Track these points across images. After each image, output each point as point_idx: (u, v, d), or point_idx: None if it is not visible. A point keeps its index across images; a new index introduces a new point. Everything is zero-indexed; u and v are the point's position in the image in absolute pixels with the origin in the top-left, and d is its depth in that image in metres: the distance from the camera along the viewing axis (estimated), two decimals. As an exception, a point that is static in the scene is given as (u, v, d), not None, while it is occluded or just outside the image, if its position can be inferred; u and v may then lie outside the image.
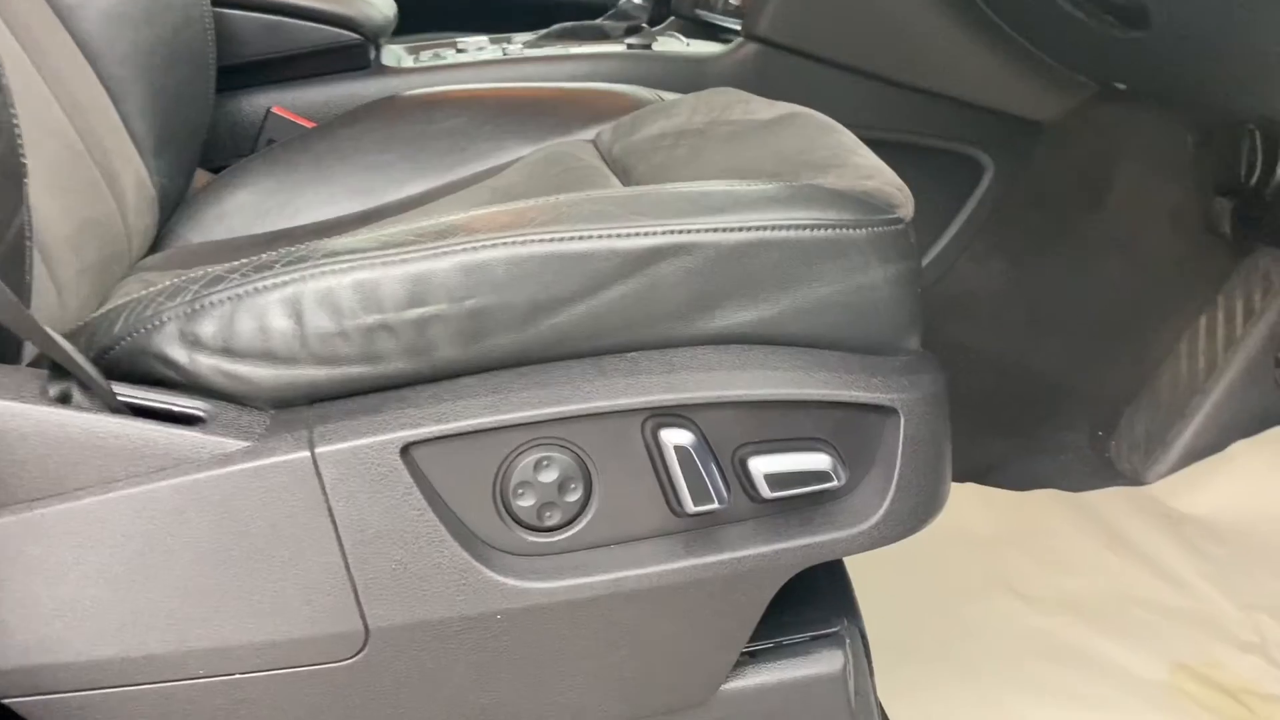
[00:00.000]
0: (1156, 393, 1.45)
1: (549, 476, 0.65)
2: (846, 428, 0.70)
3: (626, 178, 0.98)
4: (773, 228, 0.68)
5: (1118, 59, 1.14)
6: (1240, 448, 1.36)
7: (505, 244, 0.65)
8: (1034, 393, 1.47)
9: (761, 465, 0.67)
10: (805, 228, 0.69)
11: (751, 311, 0.69)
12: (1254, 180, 1.40)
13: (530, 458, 0.65)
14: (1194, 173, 1.42)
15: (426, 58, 1.35)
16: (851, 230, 0.70)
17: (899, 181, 0.79)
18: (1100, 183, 1.44)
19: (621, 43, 1.39)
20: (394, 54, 1.36)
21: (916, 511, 0.70)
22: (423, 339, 0.65)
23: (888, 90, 1.35)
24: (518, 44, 1.41)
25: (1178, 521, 1.29)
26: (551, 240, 0.65)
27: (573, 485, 0.66)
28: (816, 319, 0.70)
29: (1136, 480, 1.40)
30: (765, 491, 0.68)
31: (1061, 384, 1.47)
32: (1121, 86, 1.26)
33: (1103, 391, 1.47)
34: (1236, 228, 1.41)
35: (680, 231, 0.67)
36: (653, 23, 1.57)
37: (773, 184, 0.73)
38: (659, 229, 0.67)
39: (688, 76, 1.32)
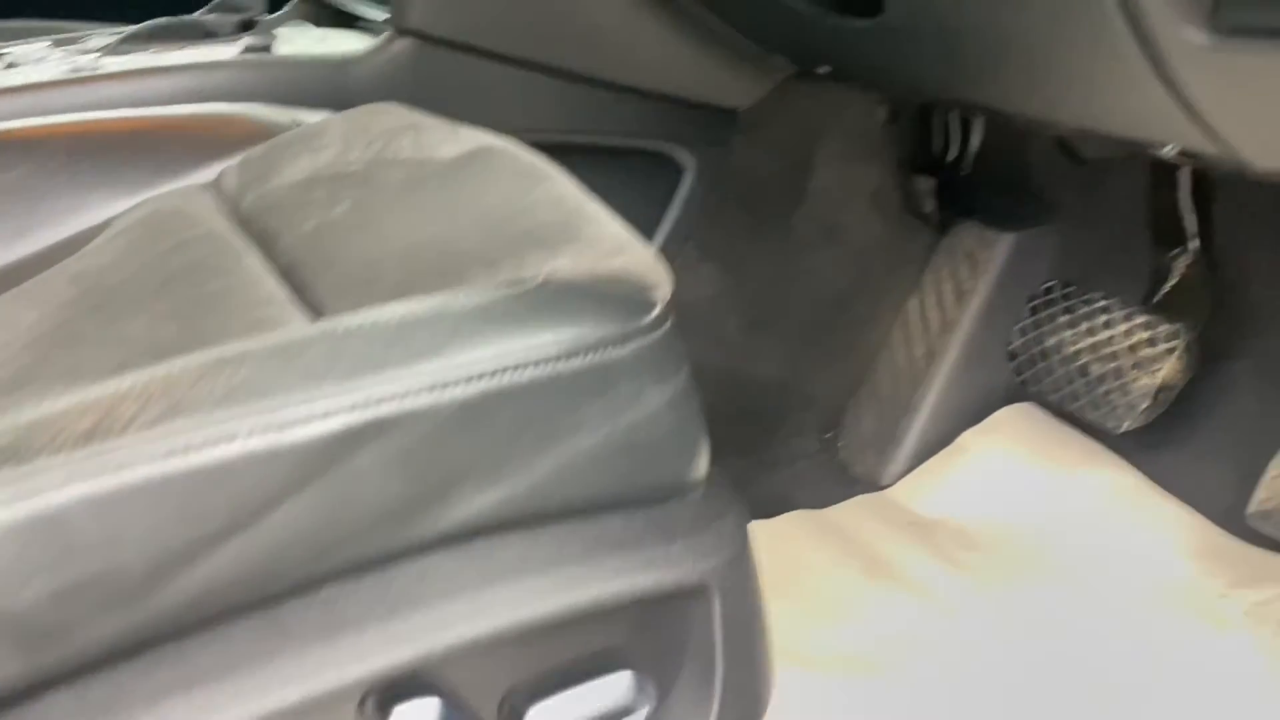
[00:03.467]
0: (878, 386, 1.38)
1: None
2: (647, 625, 0.50)
3: (270, 247, 0.72)
4: (513, 368, 0.47)
5: (829, 45, 1.01)
6: (970, 437, 1.32)
7: (89, 475, 0.39)
8: (761, 402, 1.35)
9: (541, 715, 0.47)
10: (556, 359, 0.48)
11: (495, 491, 0.47)
12: (949, 158, 1.35)
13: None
14: (891, 152, 1.35)
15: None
16: (616, 349, 0.50)
17: (645, 247, 0.60)
18: (801, 170, 1.33)
19: (235, 43, 1.09)
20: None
21: (748, 716, 0.52)
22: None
23: (570, 87, 1.16)
24: (93, 51, 1.08)
25: (927, 530, 1.23)
26: (168, 455, 0.40)
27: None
28: (585, 480, 0.50)
29: (873, 482, 1.32)
30: (552, 753, 0.47)
31: (786, 388, 1.37)
32: (824, 70, 1.15)
33: (826, 391, 1.38)
34: (938, 207, 1.36)
35: (379, 402, 0.44)
36: (271, 9, 1.27)
37: (499, 293, 0.51)
38: (345, 402, 0.43)
39: (328, 85, 1.05)
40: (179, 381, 0.43)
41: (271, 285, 0.66)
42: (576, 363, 0.48)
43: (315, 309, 0.62)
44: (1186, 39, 0.62)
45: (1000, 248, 1.35)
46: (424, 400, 0.44)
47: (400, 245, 0.65)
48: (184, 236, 0.75)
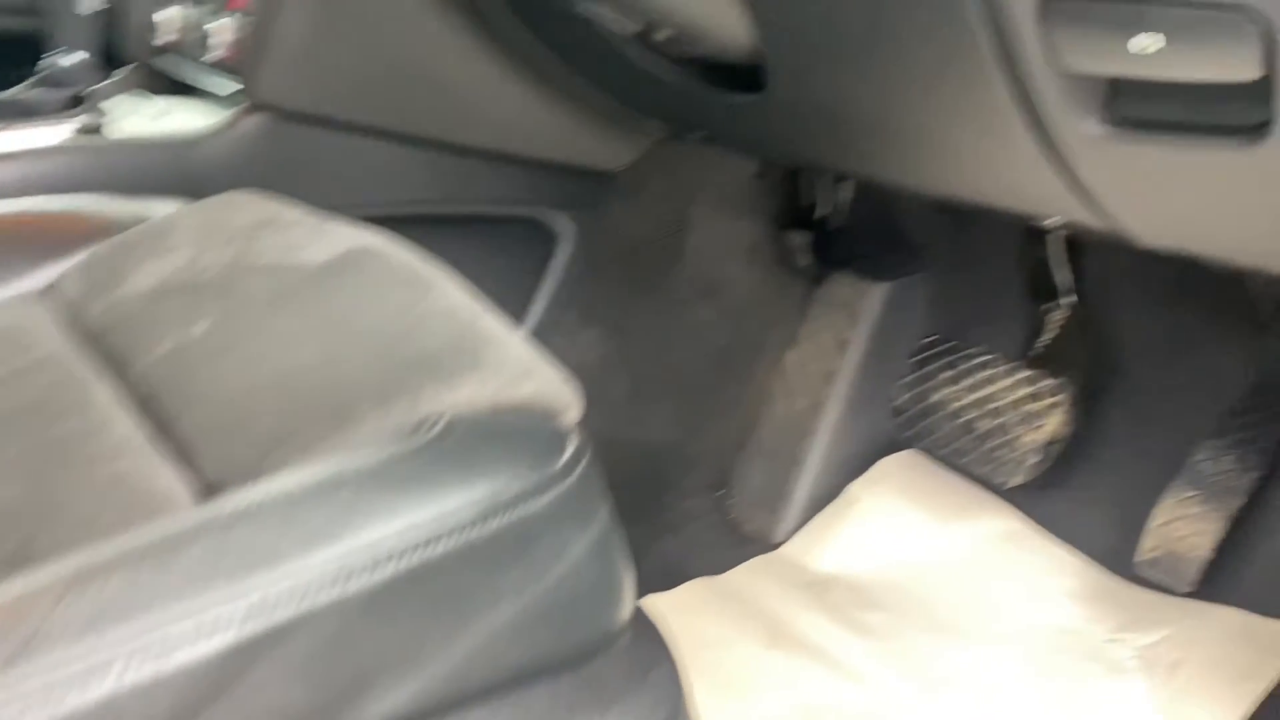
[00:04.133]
0: (763, 441, 1.37)
1: None
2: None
3: (123, 372, 0.65)
4: (424, 544, 0.42)
5: (707, 116, 0.99)
6: (858, 488, 1.31)
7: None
8: (650, 466, 1.32)
9: None
10: (470, 525, 0.44)
11: (411, 683, 0.42)
12: (821, 212, 1.35)
13: None
14: (765, 207, 1.35)
15: None
16: (534, 501, 0.46)
17: (553, 368, 0.56)
18: (678, 229, 1.31)
19: (63, 124, 1.00)
20: None
21: None
22: None
23: (439, 157, 1.11)
24: (-107, 136, 0.97)
25: (823, 589, 1.21)
26: (26, 708, 0.34)
27: None
28: (507, 654, 0.45)
29: (766, 540, 1.31)
30: None
31: (674, 450, 1.34)
32: (700, 135, 1.13)
33: (713, 449, 1.36)
34: (813, 259, 1.36)
35: (275, 606, 0.38)
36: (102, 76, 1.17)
37: (399, 448, 0.46)
38: (236, 610, 0.38)
39: (174, 170, 0.97)
40: (36, 604, 0.36)
41: (128, 425, 0.59)
42: (492, 525, 0.44)
43: (183, 455, 0.56)
44: (1083, 130, 0.62)
45: (875, 297, 1.35)
46: (326, 596, 0.39)
47: (273, 373, 0.59)
48: (18, 364, 0.66)
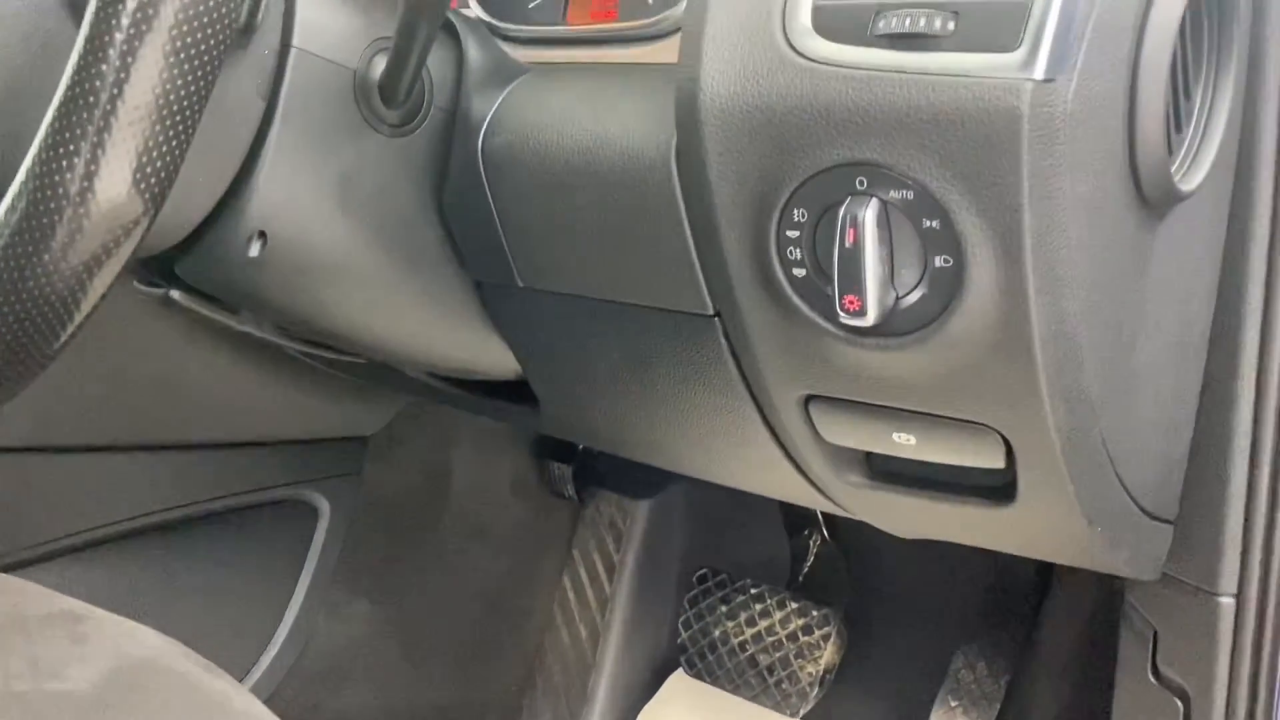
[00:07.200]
0: (550, 676, 1.35)
1: None
2: None
3: None
4: None
5: (474, 408, 0.99)
6: (650, 712, 1.32)
7: None
8: (433, 731, 1.27)
9: None
10: None
11: None
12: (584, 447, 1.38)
13: None
14: (524, 440, 1.35)
15: None
16: None
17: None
18: (440, 478, 1.29)
19: None
20: None
21: None
22: None
23: (180, 456, 1.03)
24: None
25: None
26: None
27: None
28: None
29: (562, 781, 1.29)
30: None
31: (459, 704, 1.30)
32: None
33: (499, 694, 1.33)
34: (575, 486, 1.37)
35: None
36: None
37: None
38: None
39: None
40: None
41: None
42: None
43: None
44: (845, 481, 0.67)
45: (640, 513, 1.38)
46: None
47: None
48: None
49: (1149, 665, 0.79)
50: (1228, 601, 0.70)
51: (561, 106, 0.65)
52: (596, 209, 0.63)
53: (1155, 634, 0.77)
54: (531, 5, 0.76)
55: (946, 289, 0.51)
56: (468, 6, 0.75)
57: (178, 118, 0.44)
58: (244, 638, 1.09)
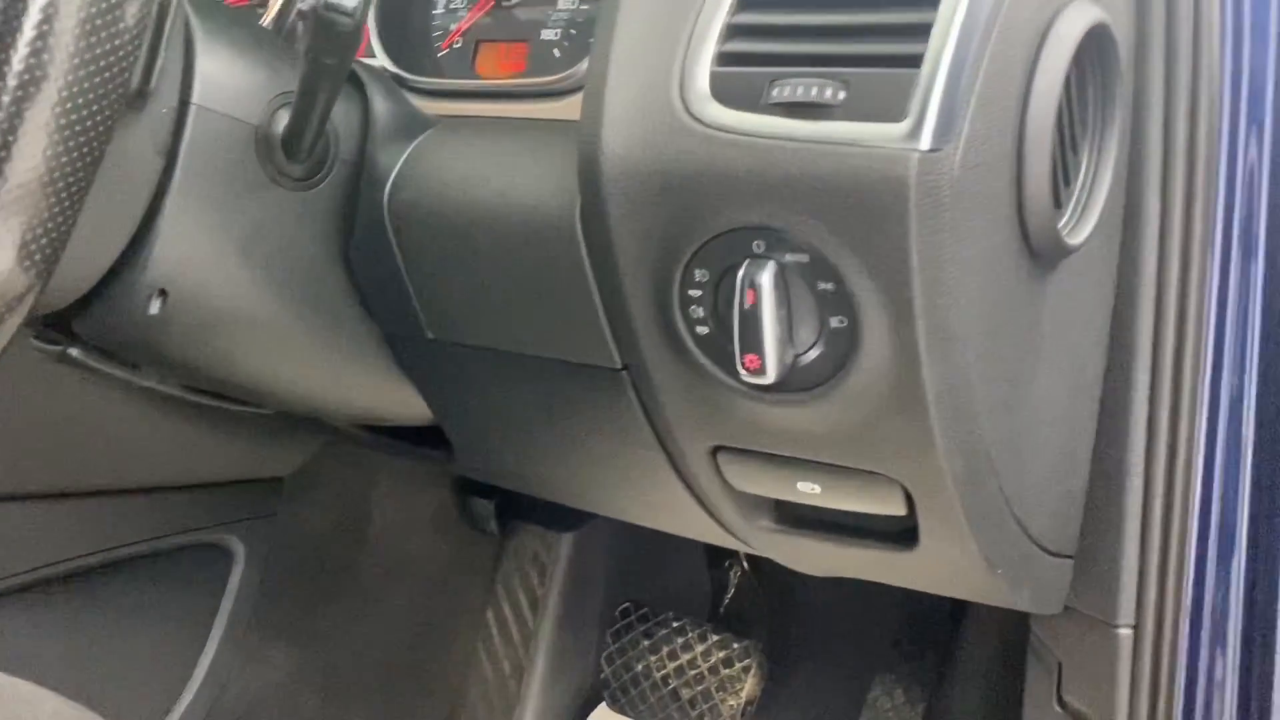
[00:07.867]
0: (475, 713, 1.34)
1: None
2: None
3: None
4: None
5: (389, 449, 0.98)
6: (578, 745, 1.32)
7: None
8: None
9: None
10: None
11: None
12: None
13: None
14: (446, 474, 1.34)
15: None
16: None
17: None
18: (360, 516, 1.27)
19: None
20: None
21: None
22: None
23: (83, 504, 1.01)
24: None
25: None
26: None
27: None
28: None
29: (487, 820, 1.28)
30: None
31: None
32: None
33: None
34: (497, 522, 1.37)
35: None
36: None
37: None
38: None
39: None
40: None
41: None
42: None
43: None
44: (753, 525, 0.68)
45: (562, 546, 1.38)
46: None
47: None
48: None
49: (1054, 695, 0.81)
50: (1126, 633, 0.72)
51: (468, 163, 0.65)
52: (504, 265, 0.64)
53: (1060, 665, 0.80)
54: (440, 55, 0.76)
55: (843, 348, 0.53)
56: (374, 56, 0.75)
57: (65, 191, 0.44)
58: (155, 689, 1.06)
